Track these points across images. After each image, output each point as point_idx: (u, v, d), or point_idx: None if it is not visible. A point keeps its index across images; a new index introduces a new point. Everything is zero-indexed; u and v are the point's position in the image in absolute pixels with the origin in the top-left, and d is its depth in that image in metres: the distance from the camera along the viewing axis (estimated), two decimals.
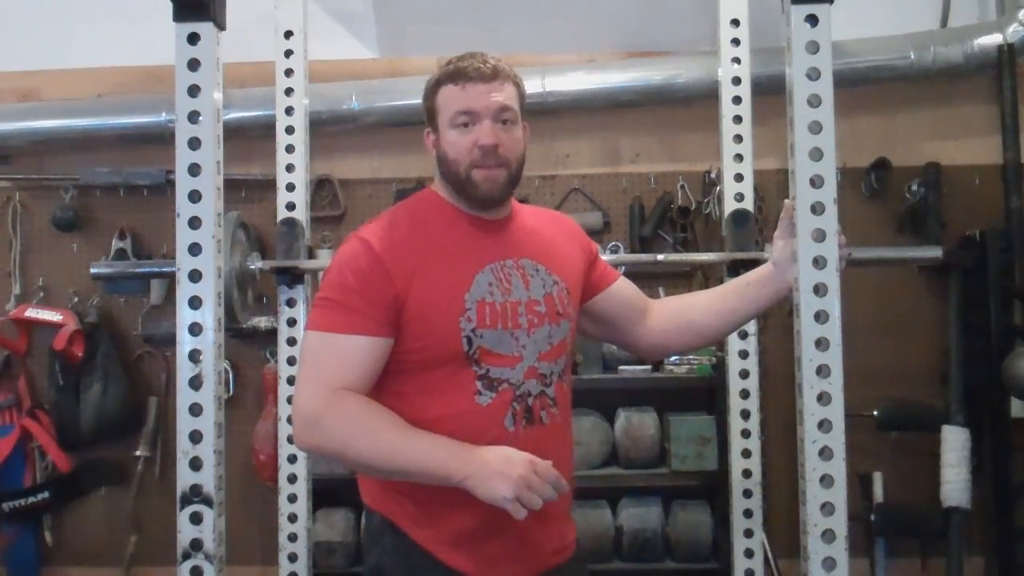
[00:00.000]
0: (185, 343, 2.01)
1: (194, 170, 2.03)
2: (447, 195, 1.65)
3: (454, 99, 1.59)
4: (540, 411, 1.59)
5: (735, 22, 2.79)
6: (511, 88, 1.61)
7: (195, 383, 2.01)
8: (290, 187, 2.75)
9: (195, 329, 2.02)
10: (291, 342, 2.75)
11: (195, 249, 2.02)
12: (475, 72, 1.58)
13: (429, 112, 1.65)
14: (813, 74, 1.94)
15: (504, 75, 1.61)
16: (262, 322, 3.27)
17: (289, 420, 2.74)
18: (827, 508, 1.89)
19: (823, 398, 1.91)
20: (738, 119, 2.77)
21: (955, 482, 3.01)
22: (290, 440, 2.73)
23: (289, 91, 2.77)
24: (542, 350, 1.61)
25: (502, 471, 1.40)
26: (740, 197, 2.77)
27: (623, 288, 1.87)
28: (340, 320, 1.52)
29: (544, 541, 1.61)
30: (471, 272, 1.59)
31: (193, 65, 2.03)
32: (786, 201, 1.89)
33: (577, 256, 1.78)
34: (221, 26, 2.09)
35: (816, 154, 1.94)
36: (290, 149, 2.76)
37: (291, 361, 2.75)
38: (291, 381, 2.74)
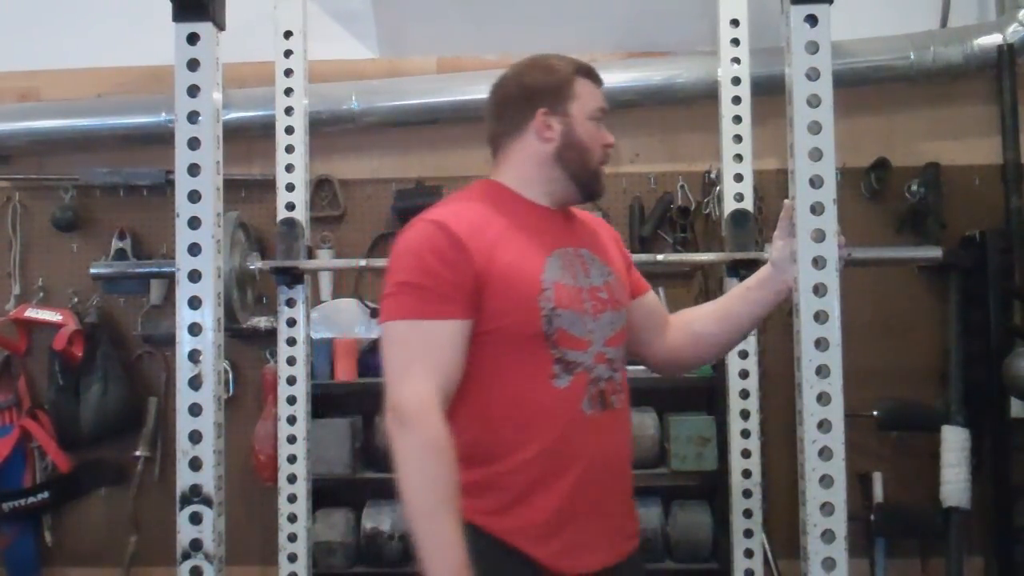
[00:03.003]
0: (185, 343, 2.01)
1: (194, 170, 2.03)
2: (517, 186, 1.64)
3: (594, 95, 1.64)
4: (611, 396, 1.61)
5: (735, 22, 2.79)
6: None
7: (195, 383, 2.01)
8: (290, 187, 2.75)
9: (195, 329, 2.02)
10: (291, 342, 2.75)
11: (195, 249, 2.02)
12: (600, 79, 1.67)
13: (559, 95, 1.62)
14: (813, 74, 1.94)
15: None
16: (262, 322, 3.27)
17: (291, 420, 2.74)
18: (827, 508, 1.89)
19: (823, 398, 1.91)
20: (738, 119, 2.77)
21: (955, 482, 3.00)
22: (290, 440, 2.73)
23: (289, 91, 2.77)
24: (607, 336, 1.62)
25: None
26: (740, 197, 2.77)
27: (652, 300, 1.91)
28: (428, 306, 1.47)
29: (617, 527, 1.64)
30: (543, 254, 1.59)
31: (193, 65, 2.03)
32: (786, 201, 1.89)
33: (620, 258, 1.84)
34: (221, 26, 2.09)
35: (816, 154, 1.94)
36: (290, 149, 2.76)
37: (291, 361, 2.75)
38: (291, 381, 2.74)
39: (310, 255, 2.77)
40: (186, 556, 1.96)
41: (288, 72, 2.77)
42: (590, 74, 1.66)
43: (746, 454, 2.75)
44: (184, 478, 1.98)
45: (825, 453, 1.90)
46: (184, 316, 2.02)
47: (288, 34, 2.77)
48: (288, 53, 2.77)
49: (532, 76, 1.64)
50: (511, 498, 1.51)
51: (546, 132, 1.62)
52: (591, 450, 1.56)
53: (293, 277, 2.74)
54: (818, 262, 1.93)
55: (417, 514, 1.40)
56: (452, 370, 1.47)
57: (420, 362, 1.45)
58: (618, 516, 1.64)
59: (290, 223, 2.72)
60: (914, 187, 3.29)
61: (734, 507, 2.76)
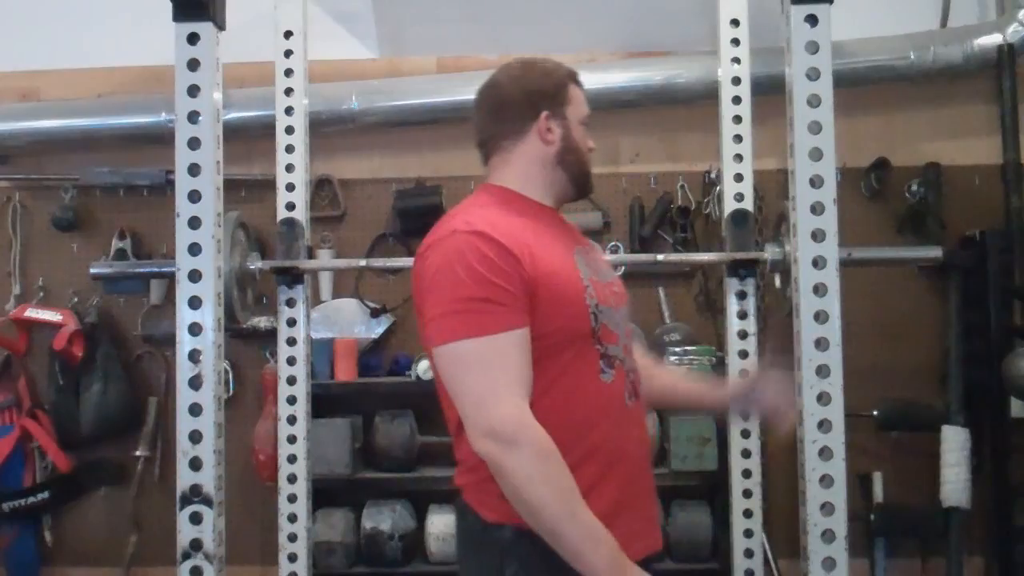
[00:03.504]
0: (185, 343, 2.02)
1: (194, 170, 2.03)
2: (526, 188, 1.64)
3: (582, 101, 1.68)
4: (638, 386, 1.63)
5: (735, 22, 2.79)
6: None
7: (195, 383, 2.01)
8: (290, 187, 2.75)
9: (195, 329, 2.02)
10: (291, 342, 2.75)
11: (195, 249, 2.02)
12: (583, 85, 1.71)
13: (557, 99, 1.65)
14: (813, 74, 1.94)
15: None
16: (262, 322, 3.27)
17: (291, 420, 2.74)
18: (827, 508, 1.89)
19: (823, 398, 1.92)
20: (738, 119, 2.78)
21: (955, 482, 3.00)
22: (290, 440, 2.73)
23: (289, 91, 2.77)
24: (626, 329, 1.65)
25: None
26: (740, 197, 2.77)
27: None
28: (495, 319, 1.42)
29: (653, 516, 1.67)
30: (570, 253, 1.60)
31: (193, 65, 2.04)
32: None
33: None
34: (221, 26, 2.09)
35: (816, 154, 1.95)
36: (290, 149, 2.76)
37: (291, 361, 2.75)
38: (291, 381, 2.75)
39: (310, 255, 2.78)
40: (186, 556, 1.96)
41: (288, 72, 2.77)
42: (577, 80, 1.70)
43: (746, 454, 2.76)
44: (184, 478, 1.99)
45: (825, 453, 1.91)
46: (184, 316, 2.02)
47: (288, 34, 2.77)
48: (288, 53, 2.77)
49: (532, 80, 1.66)
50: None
51: (548, 135, 1.63)
52: (635, 439, 1.60)
53: (293, 277, 2.74)
54: (818, 262, 1.94)
55: (559, 520, 1.39)
56: (528, 380, 1.44)
57: (503, 379, 1.41)
58: (653, 504, 1.67)
59: (290, 223, 2.73)
60: (914, 187, 3.29)
61: (734, 507, 2.76)
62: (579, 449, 1.48)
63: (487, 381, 1.41)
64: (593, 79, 3.25)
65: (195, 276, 2.02)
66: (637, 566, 1.42)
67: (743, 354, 2.77)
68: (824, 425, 1.91)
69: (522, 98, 1.64)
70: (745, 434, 2.76)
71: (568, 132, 1.65)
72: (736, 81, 2.78)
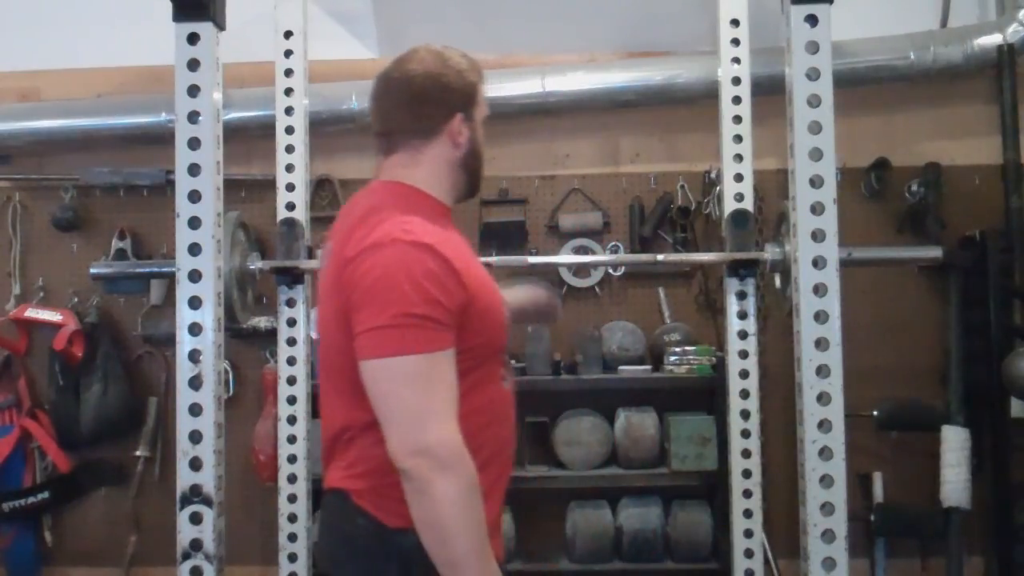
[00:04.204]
0: (185, 343, 2.02)
1: (194, 170, 2.04)
2: (433, 189, 1.60)
3: (485, 100, 1.65)
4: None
5: (735, 22, 2.79)
6: None
7: (195, 383, 2.01)
8: (290, 187, 2.75)
9: (195, 329, 2.02)
10: (291, 342, 2.75)
11: (195, 249, 2.03)
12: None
13: (471, 101, 1.61)
14: (813, 74, 1.94)
15: None
16: (262, 322, 3.27)
17: (291, 420, 2.74)
18: (827, 508, 1.89)
19: (823, 398, 1.92)
20: (738, 119, 2.78)
21: (955, 482, 3.00)
22: (290, 440, 2.74)
23: (289, 91, 2.77)
24: None
25: None
26: (740, 197, 2.77)
27: None
28: (433, 337, 1.39)
29: None
30: (480, 263, 1.61)
31: (193, 65, 2.04)
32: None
33: None
34: (221, 26, 2.09)
35: (816, 154, 1.95)
36: (290, 149, 2.76)
37: (291, 361, 2.75)
38: (291, 381, 2.75)
39: (310, 255, 2.78)
40: (186, 556, 1.96)
41: (288, 72, 2.78)
42: (483, 77, 1.64)
43: (746, 454, 2.76)
44: (184, 478, 1.99)
45: (825, 453, 1.91)
46: (184, 316, 2.02)
47: (288, 34, 2.77)
48: (288, 53, 2.77)
49: (449, 78, 1.59)
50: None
51: (458, 138, 1.59)
52: (513, 444, 1.63)
53: (293, 277, 2.74)
54: (818, 262, 1.94)
55: (469, 553, 1.37)
56: (457, 400, 1.42)
57: (440, 399, 1.39)
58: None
59: (290, 223, 2.73)
60: (914, 187, 3.29)
61: (734, 507, 2.76)
62: (483, 455, 1.47)
63: (426, 400, 1.38)
64: (593, 79, 3.27)
65: (195, 276, 2.03)
66: None
67: (743, 354, 2.77)
68: (824, 425, 1.91)
69: (438, 96, 1.58)
70: (745, 434, 2.76)
71: (474, 135, 1.62)
72: (736, 81, 2.78)
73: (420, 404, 1.38)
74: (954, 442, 3.02)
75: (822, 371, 1.92)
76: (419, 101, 1.58)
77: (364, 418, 1.44)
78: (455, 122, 1.58)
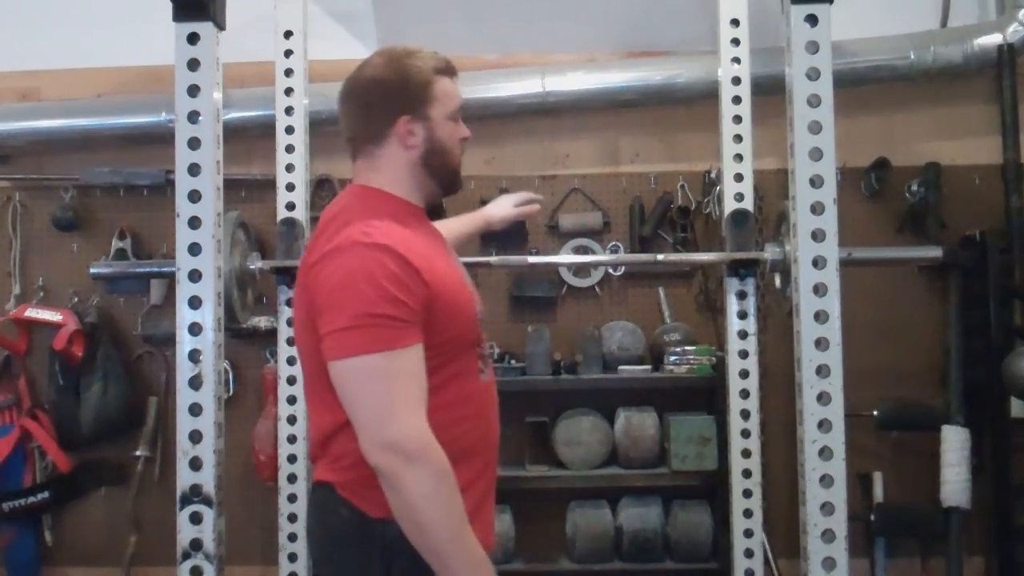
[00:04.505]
0: (185, 343, 2.02)
1: (194, 170, 2.04)
2: (398, 191, 1.62)
3: (453, 93, 1.63)
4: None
5: (735, 22, 2.79)
6: None
7: (195, 383, 2.01)
8: (290, 187, 2.75)
9: (195, 329, 2.02)
10: (291, 342, 2.75)
11: (195, 249, 2.03)
12: (456, 70, 1.65)
13: (419, 99, 1.60)
14: (813, 74, 1.94)
15: None
16: (262, 322, 3.27)
17: (291, 420, 2.74)
18: (827, 508, 1.90)
19: (823, 398, 1.92)
20: (738, 119, 2.78)
21: (955, 482, 3.00)
22: (290, 440, 2.74)
23: (289, 91, 2.77)
24: None
25: None
26: (740, 197, 2.78)
27: None
28: (396, 335, 1.43)
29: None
30: (453, 262, 1.66)
31: (193, 65, 2.04)
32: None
33: None
34: (221, 26, 2.09)
35: (816, 154, 1.95)
36: (290, 149, 2.77)
37: (291, 361, 2.75)
38: (291, 381, 2.75)
39: None
40: (186, 556, 1.96)
41: (288, 72, 2.78)
42: (448, 70, 1.63)
43: (746, 454, 2.76)
44: (184, 478, 1.99)
45: (825, 453, 1.91)
46: (184, 316, 2.02)
47: (288, 34, 2.77)
48: (288, 53, 2.78)
49: (392, 82, 1.60)
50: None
51: (409, 139, 1.60)
52: (496, 436, 1.67)
53: (293, 277, 2.73)
54: (818, 262, 1.94)
55: (446, 541, 1.41)
56: (425, 395, 1.46)
57: (405, 394, 1.43)
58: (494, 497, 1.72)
59: (290, 223, 2.73)
60: (914, 187, 3.29)
61: (734, 507, 2.76)
62: (460, 447, 1.51)
63: (391, 395, 1.41)
64: (593, 79, 3.27)
65: (195, 276, 2.03)
66: None
67: (743, 354, 2.78)
68: (824, 425, 1.91)
69: (382, 101, 1.60)
70: (745, 434, 2.76)
71: (432, 132, 1.61)
72: (736, 81, 2.78)
73: (384, 401, 1.41)
74: (954, 442, 3.02)
75: (822, 371, 1.92)
76: (366, 107, 1.63)
77: (343, 418, 1.48)
78: (399, 125, 1.59)
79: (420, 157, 1.61)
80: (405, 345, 1.44)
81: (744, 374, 2.77)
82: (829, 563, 1.88)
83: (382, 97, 1.60)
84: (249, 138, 3.21)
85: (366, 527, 1.50)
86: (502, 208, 2.23)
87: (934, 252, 2.67)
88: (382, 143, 1.61)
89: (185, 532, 1.97)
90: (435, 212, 1.94)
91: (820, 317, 1.93)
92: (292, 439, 2.73)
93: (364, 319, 1.42)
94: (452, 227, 2.10)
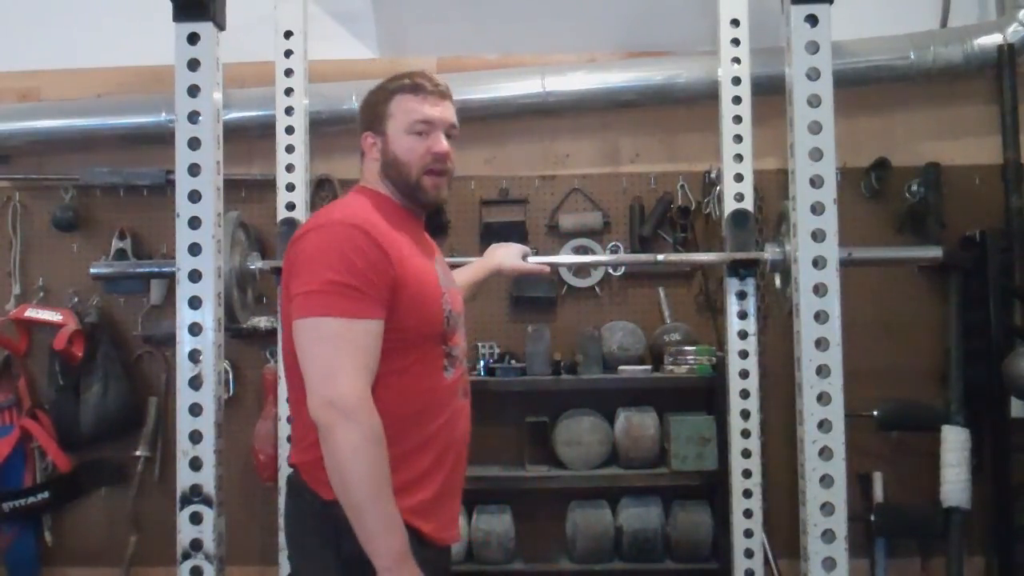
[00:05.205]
0: (185, 343, 2.02)
1: (194, 170, 2.03)
2: (390, 193, 1.78)
3: (413, 108, 1.74)
4: (467, 386, 1.81)
5: (735, 22, 2.79)
6: (454, 109, 1.80)
7: (195, 383, 2.01)
8: (290, 187, 2.75)
9: (195, 329, 2.02)
10: None
11: (195, 249, 2.02)
12: (433, 88, 1.77)
13: (376, 117, 1.77)
14: (813, 74, 1.94)
15: (451, 97, 1.80)
16: (262, 322, 3.27)
17: (291, 420, 2.74)
18: (827, 508, 1.89)
19: (823, 398, 1.92)
20: (738, 119, 2.77)
21: (955, 482, 3.01)
22: (290, 440, 2.73)
23: (289, 91, 2.77)
24: (464, 333, 1.83)
25: None
26: (740, 197, 2.77)
27: None
28: (358, 306, 1.55)
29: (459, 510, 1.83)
30: (430, 260, 1.77)
31: (193, 65, 2.03)
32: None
33: None
34: (221, 26, 2.09)
35: (816, 154, 1.94)
36: (290, 149, 2.76)
37: None
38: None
39: None
40: (186, 556, 1.96)
41: (288, 72, 2.77)
42: (414, 89, 1.76)
43: (746, 454, 2.76)
44: (184, 478, 1.99)
45: (825, 453, 1.91)
46: (184, 316, 2.02)
47: (288, 34, 2.77)
48: (288, 53, 2.77)
49: (365, 100, 1.82)
50: (409, 478, 1.62)
51: (372, 152, 1.78)
52: (460, 435, 1.75)
53: None
54: (818, 262, 1.93)
55: (364, 499, 1.50)
56: (374, 369, 1.56)
57: (353, 360, 1.53)
58: (460, 497, 1.81)
59: (290, 223, 2.72)
60: (914, 187, 3.29)
61: (734, 507, 2.76)
62: (417, 437, 1.63)
63: (339, 357, 1.53)
64: (593, 79, 3.28)
65: (195, 276, 2.03)
66: (417, 567, 1.53)
67: (743, 354, 2.77)
68: (824, 425, 1.91)
69: (359, 119, 1.83)
70: (745, 434, 2.76)
71: (386, 147, 1.76)
72: (736, 81, 2.78)
73: (332, 362, 1.53)
74: (954, 442, 3.02)
75: (822, 371, 1.92)
76: (358, 124, 1.84)
77: (302, 394, 1.58)
78: (364, 140, 1.79)
79: (381, 169, 1.77)
80: (363, 316, 1.55)
81: (744, 374, 2.77)
82: (829, 563, 1.88)
83: (359, 116, 1.84)
84: (249, 138, 3.21)
85: (324, 509, 1.59)
86: (512, 258, 2.34)
87: (934, 252, 2.66)
88: (363, 155, 1.81)
89: (185, 532, 1.97)
90: (434, 215, 1.98)
91: (820, 317, 1.93)
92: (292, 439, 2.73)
93: (329, 286, 1.55)
94: (464, 277, 2.23)
